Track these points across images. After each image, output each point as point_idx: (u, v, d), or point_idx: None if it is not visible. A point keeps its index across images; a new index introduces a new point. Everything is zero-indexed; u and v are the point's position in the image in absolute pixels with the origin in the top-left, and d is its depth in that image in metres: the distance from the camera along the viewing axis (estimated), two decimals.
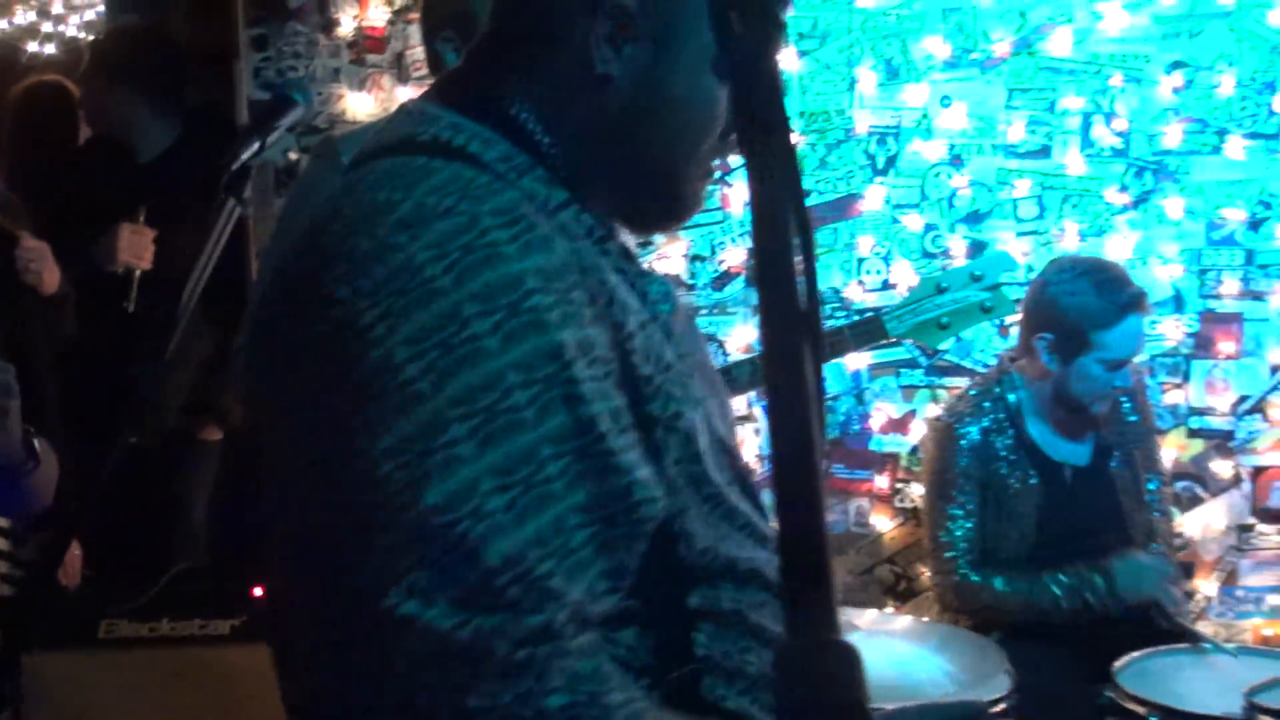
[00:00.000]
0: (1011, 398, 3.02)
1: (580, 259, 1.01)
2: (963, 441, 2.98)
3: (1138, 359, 3.12)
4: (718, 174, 3.52)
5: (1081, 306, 2.87)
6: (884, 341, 2.58)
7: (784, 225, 0.67)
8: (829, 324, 2.47)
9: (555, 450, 0.93)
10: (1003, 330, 3.52)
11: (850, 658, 0.60)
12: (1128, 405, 3.10)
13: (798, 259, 0.68)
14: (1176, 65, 3.52)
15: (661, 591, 1.01)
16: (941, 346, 3.49)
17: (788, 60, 3.53)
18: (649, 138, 1.10)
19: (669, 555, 1.02)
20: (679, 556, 1.02)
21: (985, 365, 3.47)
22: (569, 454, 0.94)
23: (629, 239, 1.18)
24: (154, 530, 3.23)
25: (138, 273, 3.11)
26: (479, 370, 0.92)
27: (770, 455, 0.62)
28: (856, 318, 2.81)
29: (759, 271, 0.68)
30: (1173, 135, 3.52)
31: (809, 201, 3.53)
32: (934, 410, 3.42)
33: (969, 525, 2.98)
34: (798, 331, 0.65)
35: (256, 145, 1.91)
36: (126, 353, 2.89)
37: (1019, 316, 3.03)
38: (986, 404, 3.02)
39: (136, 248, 3.10)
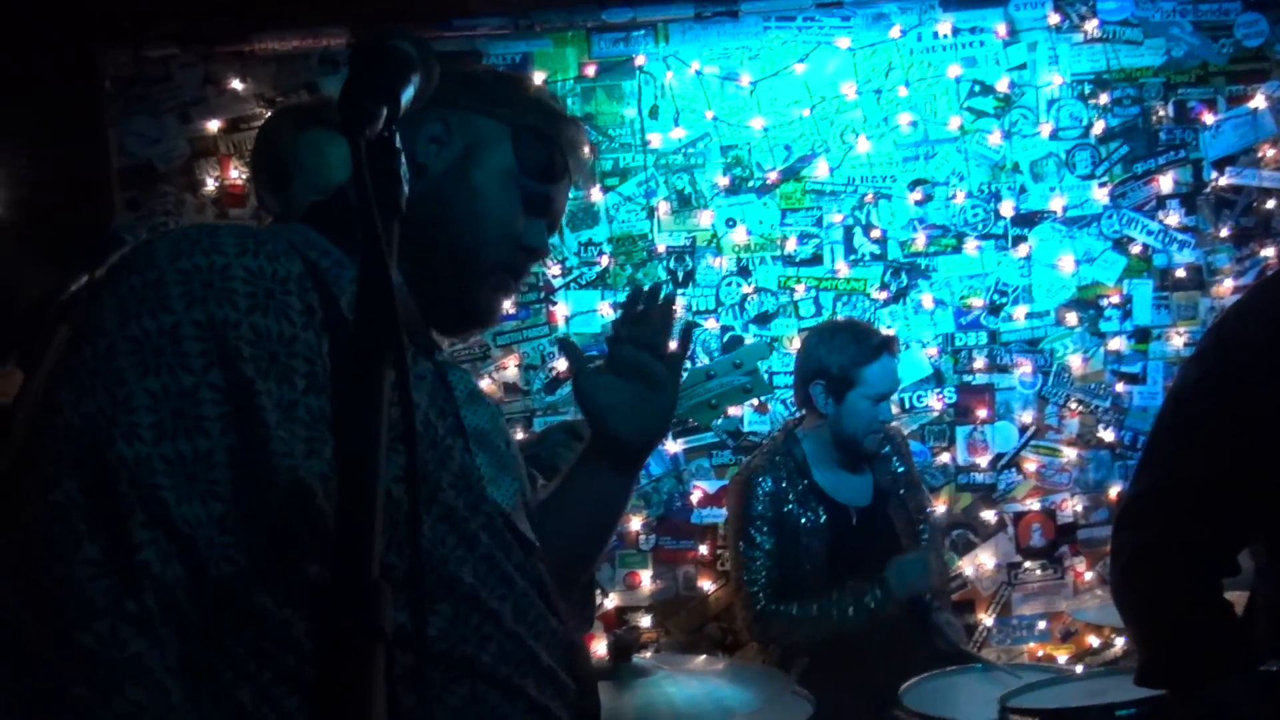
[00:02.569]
0: (798, 452, 3.43)
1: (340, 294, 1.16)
2: (759, 490, 3.36)
3: (895, 422, 3.63)
4: (542, 294, 4.02)
5: (844, 352, 3.36)
6: None
7: (381, 283, 0.83)
8: None
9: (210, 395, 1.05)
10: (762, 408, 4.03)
11: (382, 592, 0.72)
12: (895, 459, 3.54)
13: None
14: (917, 182, 4.12)
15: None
16: (716, 423, 3.95)
17: (594, 195, 4.07)
18: (450, 216, 1.30)
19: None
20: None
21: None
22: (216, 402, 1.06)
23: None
24: None
25: None
26: (158, 320, 1.05)
27: (337, 453, 0.75)
28: None
29: (358, 311, 0.82)
30: (920, 240, 4.12)
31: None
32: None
33: (769, 563, 3.32)
34: (381, 347, 0.79)
35: (85, 278, 2.05)
36: None
37: (794, 378, 3.46)
38: (778, 458, 3.42)
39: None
